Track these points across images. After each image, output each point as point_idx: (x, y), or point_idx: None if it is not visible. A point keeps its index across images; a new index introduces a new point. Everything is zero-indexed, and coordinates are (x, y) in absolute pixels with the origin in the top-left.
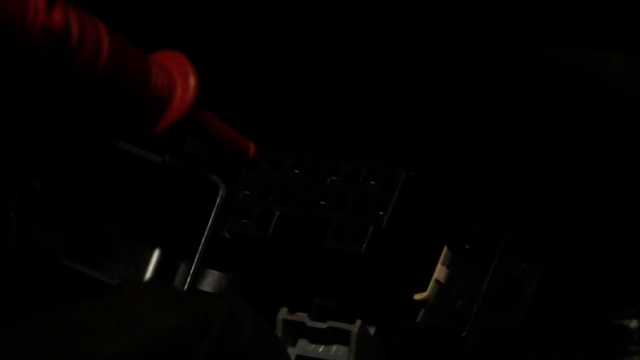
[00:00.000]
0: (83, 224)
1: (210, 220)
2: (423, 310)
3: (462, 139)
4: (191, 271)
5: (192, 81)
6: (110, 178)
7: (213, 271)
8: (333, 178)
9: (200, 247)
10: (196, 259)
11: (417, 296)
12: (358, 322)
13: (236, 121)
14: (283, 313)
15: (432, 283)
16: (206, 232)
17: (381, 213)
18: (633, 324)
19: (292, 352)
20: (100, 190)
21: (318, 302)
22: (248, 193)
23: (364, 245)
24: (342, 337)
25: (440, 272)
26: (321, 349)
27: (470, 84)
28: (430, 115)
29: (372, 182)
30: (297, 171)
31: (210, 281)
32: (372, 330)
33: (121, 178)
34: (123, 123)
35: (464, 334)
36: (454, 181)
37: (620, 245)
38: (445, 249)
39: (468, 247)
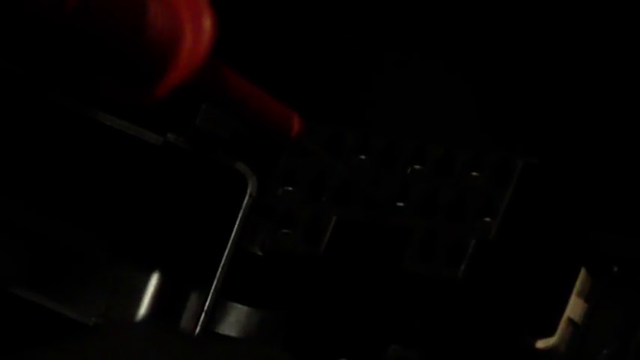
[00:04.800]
0: (46, 237)
1: (235, 229)
2: None
3: (604, 116)
4: (206, 306)
5: (207, 23)
6: (88, 169)
7: (239, 306)
8: (417, 167)
9: (219, 271)
10: (213, 287)
11: (541, 343)
12: None
13: (274, 84)
14: None
15: (562, 324)
16: (228, 248)
17: (488, 219)
18: None
19: None
20: (73, 187)
21: (395, 352)
22: (290, 189)
23: (462, 267)
24: None
25: (575, 307)
26: None
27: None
28: (561, 79)
29: (474, 173)
30: (363, 156)
31: (235, 320)
32: None
33: (104, 167)
34: (107, 87)
35: None
36: (594, 173)
37: None
38: (582, 273)
39: (616, 269)
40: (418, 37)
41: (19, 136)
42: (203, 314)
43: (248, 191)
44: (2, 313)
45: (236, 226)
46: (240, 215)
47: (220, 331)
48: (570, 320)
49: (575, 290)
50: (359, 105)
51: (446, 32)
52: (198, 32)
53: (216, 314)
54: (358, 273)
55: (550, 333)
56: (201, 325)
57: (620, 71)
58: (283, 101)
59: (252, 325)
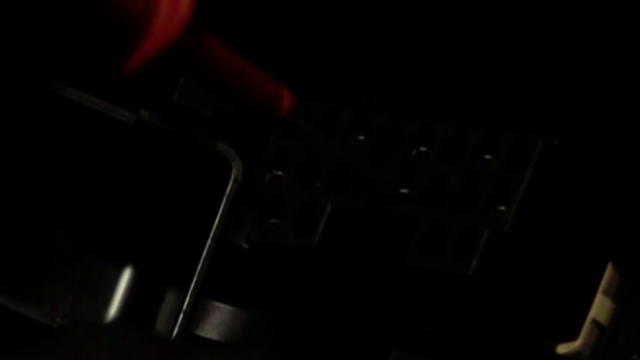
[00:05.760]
0: (4, 228)
1: (217, 219)
2: None
3: (634, 92)
4: (184, 306)
5: None
6: (52, 150)
7: (222, 305)
8: (422, 149)
9: (199, 266)
10: (193, 284)
11: (563, 348)
12: None
13: (262, 55)
14: None
15: (587, 326)
16: (209, 241)
17: (502, 208)
18: None
19: None
20: (35, 171)
21: (398, 358)
22: (280, 174)
23: (474, 262)
24: None
25: (601, 307)
26: None
27: None
28: (586, 45)
29: (488, 156)
30: (362, 137)
31: (217, 322)
32: None
33: (70, 148)
34: (74, 59)
35: None
36: (622, 156)
37: None
38: (609, 268)
39: None
40: (422, 1)
41: None
42: (181, 315)
43: (232, 176)
44: None
45: (219, 215)
46: (223, 203)
47: (201, 334)
48: (595, 322)
49: (600, 288)
50: (357, 79)
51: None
52: None
53: (196, 315)
54: (356, 269)
55: (573, 336)
56: (180, 327)
57: None
58: (272, 75)
59: (237, 327)
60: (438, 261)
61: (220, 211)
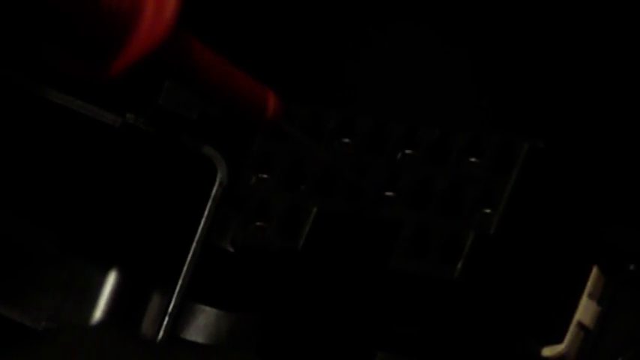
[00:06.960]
0: None
1: (202, 222)
2: None
3: (618, 94)
4: (170, 308)
5: None
6: (37, 152)
7: (207, 308)
8: (408, 152)
9: (185, 269)
10: (178, 287)
11: (549, 351)
12: None
13: (247, 58)
14: None
15: (572, 329)
16: (195, 244)
17: (488, 211)
18: None
19: None
20: (19, 173)
21: (383, 359)
22: (265, 177)
23: (459, 265)
24: None
25: (586, 310)
26: None
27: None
28: (571, 47)
29: (473, 159)
30: (347, 140)
31: (203, 325)
32: None
33: (55, 151)
34: (60, 62)
35: None
36: (607, 159)
37: None
38: (594, 271)
39: (632, 267)
40: (407, 3)
41: None
42: (167, 318)
43: (217, 179)
44: None
45: (204, 218)
46: (208, 206)
47: (186, 337)
48: (581, 324)
49: (586, 291)
50: (342, 82)
51: (449, 4)
52: None
53: (181, 318)
54: (341, 271)
55: (558, 339)
56: (165, 330)
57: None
58: (257, 78)
59: (222, 329)
60: (424, 263)
61: (206, 213)
